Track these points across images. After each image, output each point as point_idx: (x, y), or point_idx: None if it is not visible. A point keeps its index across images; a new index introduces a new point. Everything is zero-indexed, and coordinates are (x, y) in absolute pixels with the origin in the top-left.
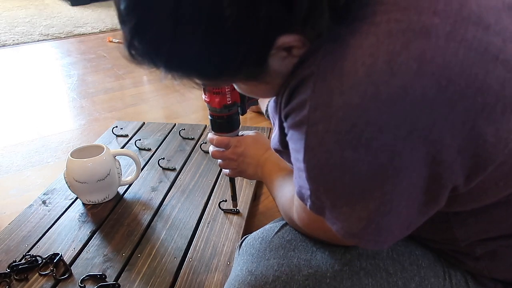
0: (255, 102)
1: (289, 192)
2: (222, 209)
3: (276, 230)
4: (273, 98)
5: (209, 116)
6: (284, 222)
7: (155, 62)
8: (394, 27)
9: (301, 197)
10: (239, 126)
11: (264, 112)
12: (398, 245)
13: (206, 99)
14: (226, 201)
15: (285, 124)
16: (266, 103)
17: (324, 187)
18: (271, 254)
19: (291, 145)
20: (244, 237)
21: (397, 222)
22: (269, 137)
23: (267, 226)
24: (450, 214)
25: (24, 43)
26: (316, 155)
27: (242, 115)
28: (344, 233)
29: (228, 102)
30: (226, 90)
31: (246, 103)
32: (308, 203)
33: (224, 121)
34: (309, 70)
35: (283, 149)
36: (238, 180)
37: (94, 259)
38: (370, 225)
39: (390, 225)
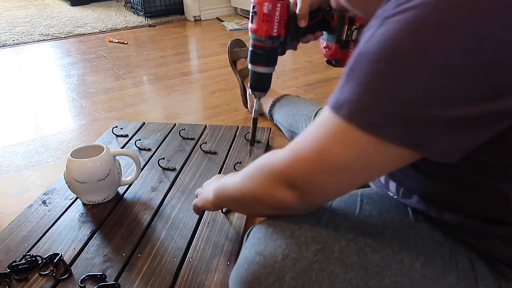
0: (294, 46)
1: (247, 168)
2: (224, 212)
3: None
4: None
5: (250, 48)
6: None
7: None
8: None
9: (337, 105)
10: (275, 64)
11: (266, 113)
12: (403, 227)
13: (252, 27)
14: None
15: (373, 21)
16: (269, 105)
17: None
18: (278, 235)
19: (362, 38)
20: (251, 228)
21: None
22: (269, 137)
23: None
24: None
25: (24, 43)
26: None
27: (281, 55)
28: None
29: (273, 34)
30: (275, 20)
31: (287, 43)
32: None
33: (265, 53)
34: None
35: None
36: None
37: (94, 259)
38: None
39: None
